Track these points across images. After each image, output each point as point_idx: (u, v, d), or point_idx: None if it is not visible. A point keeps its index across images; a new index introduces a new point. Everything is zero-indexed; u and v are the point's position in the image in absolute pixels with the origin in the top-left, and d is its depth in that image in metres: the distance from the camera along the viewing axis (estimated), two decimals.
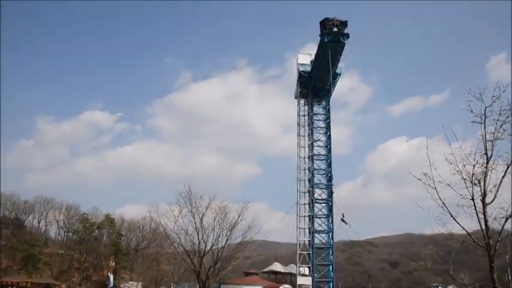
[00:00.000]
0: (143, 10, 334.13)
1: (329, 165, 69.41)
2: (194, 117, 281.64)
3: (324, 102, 72.41)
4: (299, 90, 71.49)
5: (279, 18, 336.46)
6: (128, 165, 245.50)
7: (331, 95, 71.80)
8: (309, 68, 71.09)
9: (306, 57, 72.24)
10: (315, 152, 69.91)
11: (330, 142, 70.23)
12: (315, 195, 68.41)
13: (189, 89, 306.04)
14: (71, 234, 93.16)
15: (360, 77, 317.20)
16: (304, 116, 71.77)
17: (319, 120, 71.69)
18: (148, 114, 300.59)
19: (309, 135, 70.68)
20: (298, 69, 71.71)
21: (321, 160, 69.89)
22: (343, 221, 63.92)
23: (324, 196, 68.98)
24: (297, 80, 72.18)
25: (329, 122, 70.93)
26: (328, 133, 70.68)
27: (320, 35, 65.93)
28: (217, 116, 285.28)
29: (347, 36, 64.19)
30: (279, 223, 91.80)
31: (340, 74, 70.95)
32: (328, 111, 71.57)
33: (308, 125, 71.21)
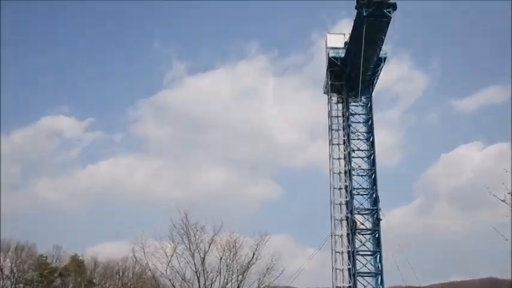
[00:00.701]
0: None
1: (373, 182, 53.66)
2: (192, 122, 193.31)
3: (363, 98, 56.88)
4: (330, 83, 56.11)
5: None
6: (103, 188, 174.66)
7: (373, 88, 56.30)
8: (342, 53, 55.59)
9: (338, 38, 56.88)
10: (354, 165, 54.12)
11: (374, 151, 54.40)
12: (356, 224, 53.18)
13: (185, 85, 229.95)
14: (21, 286, 73.77)
15: (413, 63, 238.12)
16: (337, 117, 56.24)
17: (358, 122, 56.19)
18: (131, 119, 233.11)
19: (344, 143, 54.93)
20: (328, 54, 56.40)
21: (362, 176, 54.09)
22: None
23: (368, 225, 53.39)
24: (327, 70, 56.84)
25: (371, 124, 55.23)
26: (371, 139, 54.83)
27: (356, 8, 50.65)
28: (223, 119, 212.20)
29: (393, 7, 48.83)
30: (307, 262, 74.51)
31: (384, 60, 55.75)
32: (370, 109, 55.99)
33: (343, 129, 55.40)
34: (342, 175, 54.14)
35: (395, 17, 50.07)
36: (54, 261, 77.42)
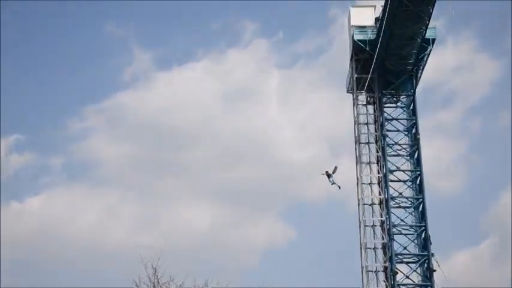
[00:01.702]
0: None
1: (422, 216, 38.58)
2: (162, 136, 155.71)
3: (404, 97, 42.16)
4: (355, 76, 41.50)
5: None
6: (37, 232, 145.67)
7: (417, 81, 41.22)
8: (372, 34, 40.56)
9: (365, 13, 41.38)
10: (393, 192, 39.51)
11: (421, 172, 39.41)
12: (398, 277, 38.19)
13: (152, 84, 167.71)
14: None
15: (477, 43, 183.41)
16: (367, 124, 41.52)
17: (398, 131, 41.25)
18: (74, 135, 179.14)
19: (378, 161, 40.39)
20: (353, 36, 41.31)
21: (404, 208, 39.35)
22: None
23: (417, 278, 38.86)
24: (351, 58, 41.34)
25: (416, 133, 40.30)
26: (417, 154, 39.76)
27: None
28: (207, 132, 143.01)
29: None
30: None
31: (433, 42, 40.68)
32: (414, 112, 40.57)
33: (376, 142, 40.92)
34: (376, 207, 39.29)
35: None
36: None
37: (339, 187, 39.08)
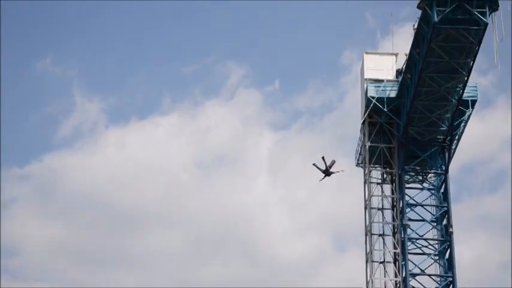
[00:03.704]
0: None
1: None
2: (110, 215, 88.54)
3: (433, 177, 34.14)
4: (368, 144, 33.48)
5: None
6: None
7: (451, 156, 33.46)
8: (393, 91, 33.37)
9: (384, 62, 34.50)
10: None
11: (453, 279, 30.83)
12: None
13: (99, 143, 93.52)
14: None
15: None
16: (382, 209, 33.30)
17: (423, 220, 32.49)
18: None
19: (396, 261, 32.00)
20: (367, 93, 33.84)
21: None
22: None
23: None
24: (363, 121, 34.13)
25: (448, 225, 32.12)
26: (448, 255, 31.77)
27: (420, 7, 29.44)
28: (174, 210, 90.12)
29: (491, 7, 28.98)
30: None
31: (472, 104, 33.13)
32: (446, 197, 32.81)
33: (394, 234, 32.45)
34: None
35: (496, 23, 29.44)
36: None
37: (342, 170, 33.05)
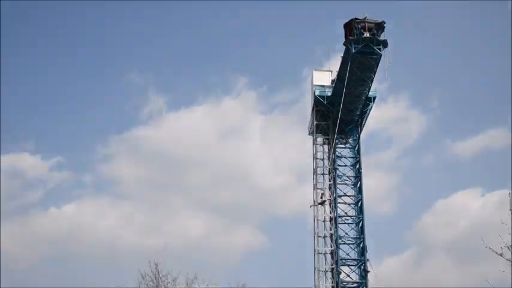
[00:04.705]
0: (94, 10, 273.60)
1: (361, 231, 51.52)
2: (170, 162, 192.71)
3: (351, 140, 55.40)
4: (315, 123, 54.83)
5: (295, 16, 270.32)
6: (68, 234, 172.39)
7: (361, 129, 54.81)
8: (329, 92, 54.11)
9: (324, 75, 55.28)
10: (340, 212, 52.35)
11: (362, 197, 52.40)
12: (341, 275, 50.56)
13: (163, 121, 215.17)
14: None
15: (410, 102, 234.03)
16: (323, 159, 54.75)
17: (345, 165, 54.40)
18: (102, 158, 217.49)
19: (330, 188, 53.60)
20: (314, 93, 54.73)
21: (348, 224, 52.23)
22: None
23: (355, 277, 51.57)
24: (312, 109, 55.02)
25: (359, 168, 53.47)
26: (359, 184, 53.11)
27: (344, 44, 49.65)
28: (204, 160, 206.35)
29: (384, 44, 48.09)
30: None
31: (374, 99, 54.49)
32: (358, 152, 54.19)
33: (329, 173, 54.01)
34: (327, 223, 52.30)
35: (387, 53, 49.12)
36: None
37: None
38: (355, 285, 50.97)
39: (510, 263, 15.99)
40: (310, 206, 53.14)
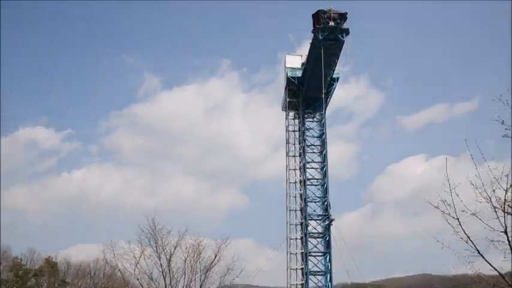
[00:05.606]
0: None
1: (325, 191, 61.20)
2: (163, 134, 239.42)
3: (318, 115, 64.52)
4: (287, 100, 63.73)
5: (272, 7, 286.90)
6: (77, 195, 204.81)
7: (326, 105, 63.62)
8: (299, 73, 63.22)
9: (295, 59, 64.31)
10: (308, 175, 61.84)
11: (326, 163, 61.99)
12: (309, 228, 60.36)
13: (157, 99, 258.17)
14: None
15: (369, 82, 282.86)
16: (294, 131, 63.92)
17: (313, 136, 63.68)
18: (103, 131, 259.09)
19: (300, 155, 62.70)
20: (287, 74, 63.64)
21: (315, 185, 61.72)
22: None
23: (320, 229, 61.30)
24: (285, 88, 64.07)
25: (324, 138, 62.82)
26: (324, 152, 62.33)
27: (313, 31, 57.77)
28: (194, 132, 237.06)
29: (346, 32, 56.58)
30: (266, 263, 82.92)
31: (337, 80, 63.75)
32: (323, 125, 63.47)
33: (299, 143, 63.18)
34: (298, 185, 61.96)
35: (349, 40, 57.57)
36: (29, 263, 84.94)
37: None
38: (320, 235, 60.78)
39: (443, 214, 18.16)
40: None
